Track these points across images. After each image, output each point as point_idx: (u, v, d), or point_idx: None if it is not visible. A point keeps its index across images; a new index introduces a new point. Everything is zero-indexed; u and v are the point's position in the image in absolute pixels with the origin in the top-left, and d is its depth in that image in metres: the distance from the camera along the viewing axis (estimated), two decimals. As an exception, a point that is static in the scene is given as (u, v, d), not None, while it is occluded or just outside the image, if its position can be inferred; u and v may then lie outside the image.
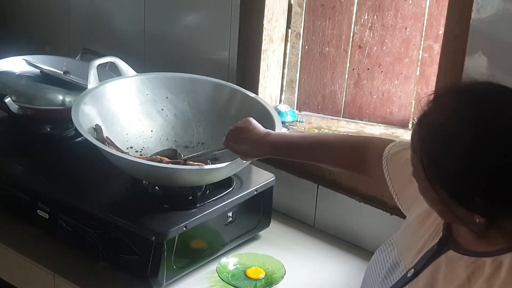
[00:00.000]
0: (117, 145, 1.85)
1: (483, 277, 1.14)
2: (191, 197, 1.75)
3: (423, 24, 1.99)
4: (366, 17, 2.04)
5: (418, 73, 2.05)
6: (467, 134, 1.06)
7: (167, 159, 1.79)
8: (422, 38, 2.01)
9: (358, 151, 1.51)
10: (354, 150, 1.51)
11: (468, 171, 1.07)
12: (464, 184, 1.08)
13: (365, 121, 2.14)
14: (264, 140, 1.61)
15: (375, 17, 2.03)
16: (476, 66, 1.65)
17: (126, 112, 1.95)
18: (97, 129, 1.81)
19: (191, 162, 1.79)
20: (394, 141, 1.48)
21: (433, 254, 1.23)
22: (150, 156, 1.84)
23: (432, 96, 1.14)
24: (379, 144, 1.48)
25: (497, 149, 1.05)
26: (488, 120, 1.07)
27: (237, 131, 1.64)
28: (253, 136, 1.62)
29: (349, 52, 2.10)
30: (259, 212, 1.90)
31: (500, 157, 1.05)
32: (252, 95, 1.98)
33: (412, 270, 1.25)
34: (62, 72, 2.09)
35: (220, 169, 1.71)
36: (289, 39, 2.16)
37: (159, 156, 1.81)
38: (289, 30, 2.15)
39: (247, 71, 2.14)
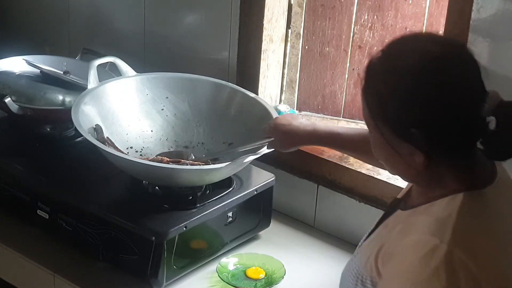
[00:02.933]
0: (117, 145, 1.85)
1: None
2: (191, 197, 1.75)
3: (423, 24, 1.99)
4: (366, 17, 2.04)
5: (418, 73, 2.05)
6: (402, 71, 1.16)
7: (166, 159, 1.78)
8: (422, 38, 2.01)
9: None
10: None
11: (403, 102, 1.15)
12: (401, 114, 1.15)
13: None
14: (309, 131, 1.71)
15: (375, 17, 2.03)
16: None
17: (126, 112, 1.95)
18: (97, 129, 1.81)
19: (192, 162, 1.79)
20: None
21: (383, 215, 1.31)
22: (155, 156, 1.83)
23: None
24: None
25: (428, 82, 1.14)
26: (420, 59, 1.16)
27: (280, 122, 1.74)
28: (298, 126, 1.73)
29: (349, 52, 2.10)
30: (259, 212, 1.90)
31: (432, 90, 1.13)
32: (252, 95, 1.98)
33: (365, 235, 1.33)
34: (62, 72, 2.09)
35: (220, 169, 1.71)
36: (289, 39, 2.16)
37: (165, 158, 1.79)
38: (289, 30, 2.15)
39: (247, 71, 2.14)
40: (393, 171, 1.27)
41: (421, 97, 1.14)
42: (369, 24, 2.05)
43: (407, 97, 1.15)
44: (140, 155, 1.91)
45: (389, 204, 1.37)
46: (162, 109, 1.99)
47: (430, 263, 1.10)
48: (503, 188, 1.24)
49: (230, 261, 1.81)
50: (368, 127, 1.24)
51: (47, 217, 1.81)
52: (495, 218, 1.19)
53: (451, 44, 1.22)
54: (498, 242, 1.17)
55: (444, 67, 1.15)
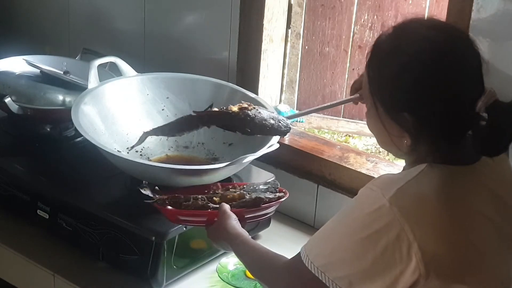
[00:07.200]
0: (117, 145, 1.85)
1: None
2: (191, 197, 1.75)
3: (423, 24, 1.99)
4: (366, 17, 2.05)
5: (418, 73, 2.05)
6: (403, 55, 1.19)
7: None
8: (422, 38, 2.01)
9: None
10: None
11: (400, 86, 1.19)
12: (397, 97, 1.20)
13: (365, 121, 2.14)
14: None
15: (375, 17, 2.04)
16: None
17: (126, 112, 1.95)
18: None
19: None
20: None
21: None
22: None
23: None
24: None
25: (428, 72, 1.17)
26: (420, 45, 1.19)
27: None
28: None
29: (349, 52, 2.10)
30: (259, 212, 1.90)
31: (431, 80, 1.17)
32: (252, 95, 1.98)
33: None
34: (62, 72, 2.09)
35: (220, 169, 1.71)
36: (289, 39, 2.16)
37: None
38: (289, 30, 2.15)
39: (247, 71, 2.14)
40: (382, 146, 1.33)
41: (419, 85, 1.17)
42: (369, 24, 2.05)
43: (405, 82, 1.18)
44: (140, 155, 1.91)
45: None
46: (163, 109, 1.99)
47: (366, 210, 1.19)
48: (484, 173, 1.25)
49: (230, 261, 1.81)
50: (365, 101, 1.29)
51: (47, 217, 1.81)
52: (454, 192, 1.21)
53: (460, 37, 1.23)
54: (448, 214, 1.19)
55: (447, 60, 1.18)
